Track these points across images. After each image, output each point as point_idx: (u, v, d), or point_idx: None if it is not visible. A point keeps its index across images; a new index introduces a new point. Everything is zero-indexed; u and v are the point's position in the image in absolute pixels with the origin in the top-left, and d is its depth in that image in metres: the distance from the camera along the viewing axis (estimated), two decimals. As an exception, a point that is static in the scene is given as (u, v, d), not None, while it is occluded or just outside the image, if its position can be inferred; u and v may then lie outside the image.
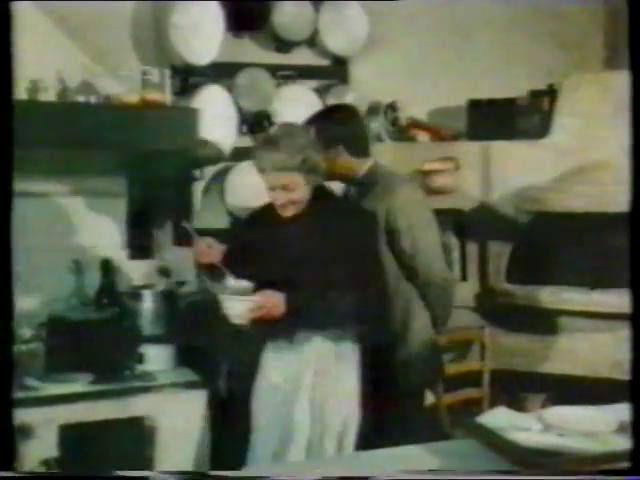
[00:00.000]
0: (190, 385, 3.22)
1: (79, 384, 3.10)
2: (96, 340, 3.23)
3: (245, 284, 2.73)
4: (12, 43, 1.89)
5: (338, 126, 3.13)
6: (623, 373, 2.50)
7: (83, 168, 3.52)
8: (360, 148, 3.17)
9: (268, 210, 2.83)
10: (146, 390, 3.15)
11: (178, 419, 3.13)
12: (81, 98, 3.35)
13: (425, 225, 3.09)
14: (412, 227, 3.03)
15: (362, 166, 3.16)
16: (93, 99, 3.37)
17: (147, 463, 3.03)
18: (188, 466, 3.06)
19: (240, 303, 2.64)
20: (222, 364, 3.26)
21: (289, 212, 2.75)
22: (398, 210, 3.02)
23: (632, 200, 2.05)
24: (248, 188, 3.92)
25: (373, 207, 3.01)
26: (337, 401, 2.68)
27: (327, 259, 2.68)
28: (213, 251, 2.86)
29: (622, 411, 2.20)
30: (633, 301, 2.01)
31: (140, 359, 3.29)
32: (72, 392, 3.05)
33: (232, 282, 2.75)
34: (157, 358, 3.30)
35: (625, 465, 1.94)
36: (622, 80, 3.91)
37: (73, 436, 2.96)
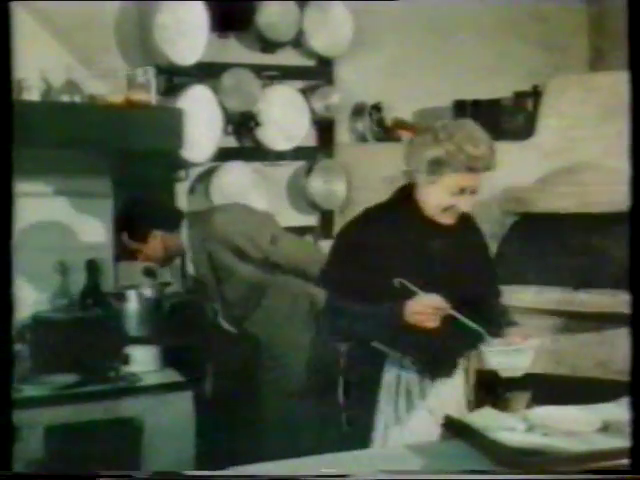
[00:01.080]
0: (176, 386, 3.21)
1: (64, 385, 3.08)
2: (81, 341, 3.22)
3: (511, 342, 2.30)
4: (12, 42, 1.89)
5: (148, 216, 3.21)
6: (607, 373, 2.51)
7: (68, 168, 3.50)
8: (175, 223, 3.23)
9: (405, 218, 2.43)
10: (132, 391, 3.14)
11: (164, 420, 3.13)
12: (65, 98, 3.33)
13: None
14: None
15: (180, 236, 3.22)
16: (77, 99, 3.36)
17: (133, 464, 3.02)
18: (174, 466, 3.05)
19: (523, 355, 2.24)
20: (208, 365, 3.26)
21: (452, 220, 2.40)
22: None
23: (632, 200, 2.05)
24: (234, 188, 3.93)
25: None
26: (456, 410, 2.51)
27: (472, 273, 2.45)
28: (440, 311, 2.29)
29: (605, 410, 2.22)
30: (632, 301, 2.01)
31: (125, 360, 3.28)
32: (57, 393, 3.03)
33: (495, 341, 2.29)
34: (142, 359, 3.29)
35: (607, 464, 1.95)
36: (606, 81, 3.96)
37: (58, 438, 2.94)
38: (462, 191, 2.34)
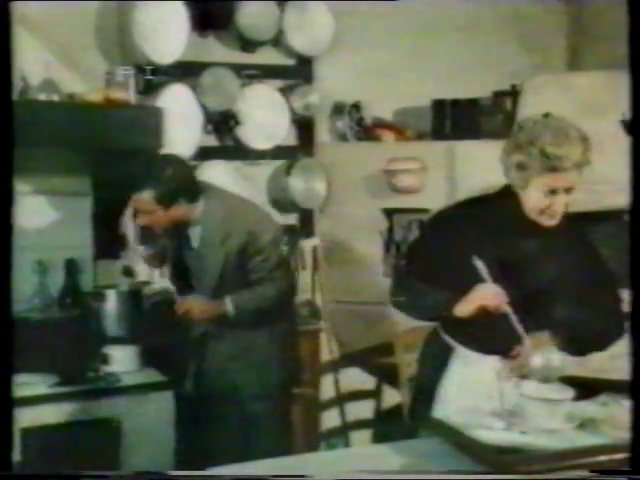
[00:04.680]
0: (155, 386, 3.20)
1: (42, 386, 3.07)
2: (60, 341, 3.20)
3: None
4: (11, 42, 1.88)
5: (176, 182, 3.05)
6: (587, 371, 2.53)
7: (46, 167, 3.48)
8: (196, 194, 3.12)
9: (502, 214, 2.47)
10: (111, 391, 3.12)
11: (144, 420, 3.12)
12: (43, 96, 3.32)
13: None
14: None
15: (197, 208, 3.12)
16: (56, 97, 3.34)
17: (112, 464, 3.01)
18: (154, 467, 3.05)
19: (560, 407, 2.15)
20: (188, 364, 3.25)
21: (553, 221, 2.40)
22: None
23: (632, 200, 2.06)
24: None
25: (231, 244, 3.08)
26: None
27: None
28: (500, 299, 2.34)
29: (583, 408, 2.23)
30: (633, 301, 2.03)
31: (105, 360, 3.26)
32: (35, 394, 3.01)
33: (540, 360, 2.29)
34: (122, 359, 3.28)
35: (585, 461, 1.97)
36: (583, 81, 3.99)
37: (36, 439, 2.93)
38: (554, 192, 2.35)
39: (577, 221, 2.53)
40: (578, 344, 2.38)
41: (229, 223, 3.10)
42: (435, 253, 2.51)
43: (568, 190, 2.36)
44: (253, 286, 3.12)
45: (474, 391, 2.45)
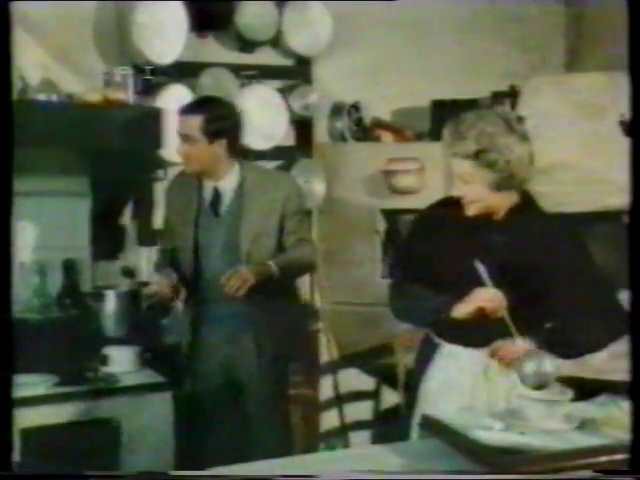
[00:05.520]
0: (154, 387, 3.20)
1: (41, 387, 3.06)
2: (59, 341, 3.20)
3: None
4: (11, 42, 1.88)
5: (227, 122, 3.14)
6: (585, 372, 2.54)
7: (46, 167, 3.48)
8: (238, 146, 3.20)
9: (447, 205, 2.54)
10: (110, 392, 3.12)
11: (142, 421, 3.11)
12: (42, 96, 3.32)
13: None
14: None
15: (233, 167, 3.17)
16: (55, 98, 3.34)
17: (111, 465, 3.01)
18: (153, 467, 3.05)
19: (559, 408, 2.14)
20: (187, 365, 3.25)
21: (468, 211, 2.44)
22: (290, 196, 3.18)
23: (631, 201, 2.07)
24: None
25: (272, 197, 3.14)
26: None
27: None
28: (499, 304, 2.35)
29: (582, 409, 2.24)
30: (633, 301, 2.03)
31: (103, 361, 3.26)
32: (35, 395, 3.01)
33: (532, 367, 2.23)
34: (121, 360, 3.27)
35: (585, 462, 1.97)
36: (582, 82, 3.99)
37: (36, 439, 2.92)
38: (455, 177, 2.41)
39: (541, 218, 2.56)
40: (563, 344, 2.38)
41: (268, 180, 3.20)
42: (422, 254, 2.54)
43: (461, 177, 2.39)
44: (287, 250, 3.16)
45: (458, 388, 2.49)
